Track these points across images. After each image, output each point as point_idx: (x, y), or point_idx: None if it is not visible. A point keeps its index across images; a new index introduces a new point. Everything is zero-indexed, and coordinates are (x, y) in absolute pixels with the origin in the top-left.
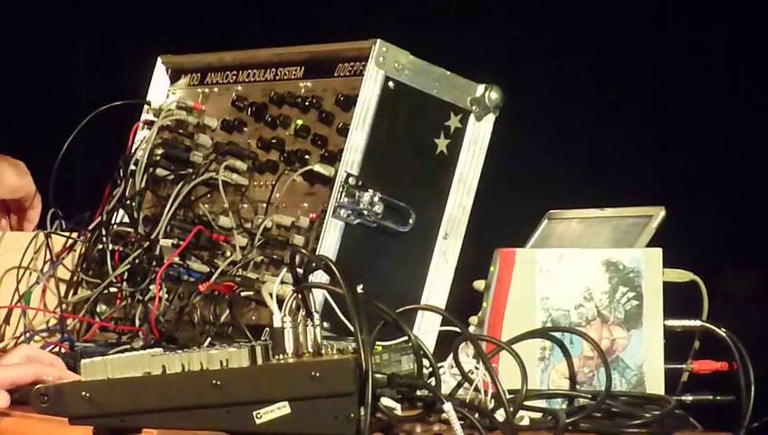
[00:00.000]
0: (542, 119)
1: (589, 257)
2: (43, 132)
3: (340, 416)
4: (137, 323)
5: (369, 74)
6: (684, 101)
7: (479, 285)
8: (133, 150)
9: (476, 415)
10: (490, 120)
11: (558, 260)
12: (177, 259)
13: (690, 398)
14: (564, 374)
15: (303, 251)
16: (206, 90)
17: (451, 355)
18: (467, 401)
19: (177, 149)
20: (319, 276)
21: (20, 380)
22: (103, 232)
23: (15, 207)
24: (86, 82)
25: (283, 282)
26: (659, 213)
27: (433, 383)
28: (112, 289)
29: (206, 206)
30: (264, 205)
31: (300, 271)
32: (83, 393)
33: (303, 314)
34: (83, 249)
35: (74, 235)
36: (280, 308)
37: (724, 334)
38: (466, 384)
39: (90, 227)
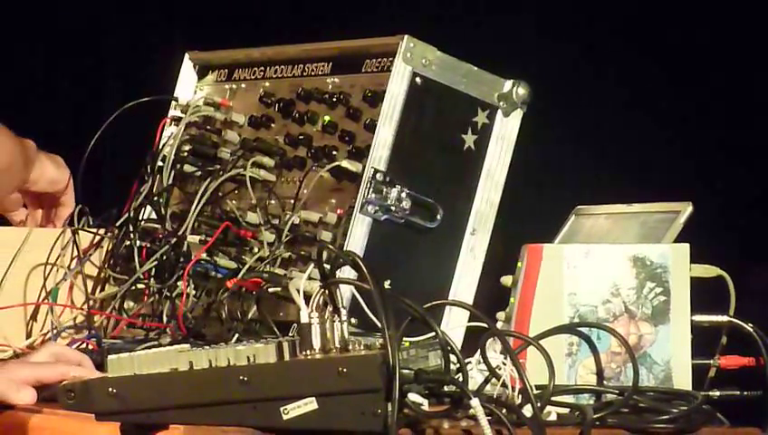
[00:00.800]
0: (570, 114)
1: (616, 253)
2: (70, 129)
3: (367, 412)
4: (164, 319)
5: (396, 70)
6: (711, 97)
7: (506, 280)
8: (160, 147)
9: (504, 411)
10: (518, 115)
11: (585, 256)
12: (204, 255)
13: (717, 393)
14: (591, 370)
15: (331, 247)
16: (234, 86)
17: (478, 351)
18: (495, 396)
19: (204, 146)
20: (346, 272)
21: (47, 378)
22: (130, 228)
23: (48, 202)
24: (114, 79)
25: (310, 278)
26: (687, 208)
27: (460, 379)
28: (140, 286)
29: (234, 202)
30: (292, 201)
31: (327, 267)
32: (110, 389)
33: (330, 310)
34: (110, 246)
35: (101, 231)
36: (307, 304)
37: (751, 330)
38: (494, 380)
39: (117, 224)
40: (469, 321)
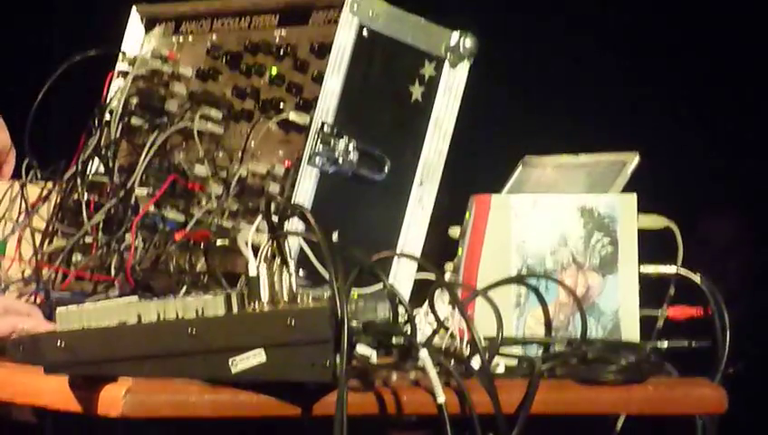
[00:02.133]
0: (518, 64)
1: (564, 203)
2: (17, 83)
3: (316, 363)
4: (112, 272)
5: (343, 22)
6: (658, 46)
7: (454, 231)
8: (108, 100)
9: (452, 362)
10: (465, 66)
11: (533, 206)
12: (152, 208)
13: (666, 344)
14: (540, 321)
15: (279, 199)
16: (181, 39)
17: (426, 302)
18: (443, 348)
19: (151, 99)
20: (294, 224)
21: None
22: (78, 182)
23: None
24: (60, 32)
25: (258, 230)
26: (633, 158)
27: (408, 331)
28: (88, 239)
29: (182, 155)
30: (240, 153)
31: (275, 219)
32: (59, 342)
33: (279, 262)
34: (59, 199)
35: (49, 184)
36: (255, 256)
37: (698, 280)
38: (442, 331)
39: (65, 177)
40: (417, 272)
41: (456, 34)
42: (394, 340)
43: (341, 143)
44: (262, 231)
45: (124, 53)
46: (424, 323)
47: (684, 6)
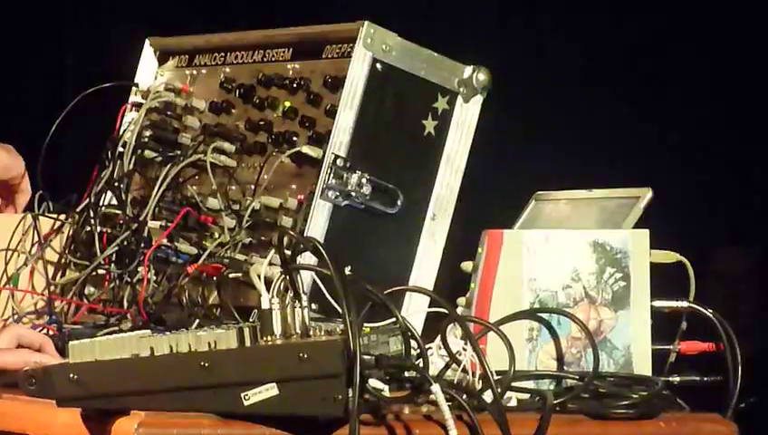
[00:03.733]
0: (531, 100)
1: (576, 238)
2: (31, 115)
3: (328, 397)
4: (125, 304)
5: (356, 56)
6: (671, 83)
7: (467, 266)
8: (121, 132)
9: (464, 396)
10: (478, 101)
11: (545, 241)
12: (165, 241)
13: (678, 379)
14: (552, 355)
15: (291, 232)
16: (195, 72)
17: (439, 337)
18: (455, 382)
19: (165, 131)
20: (307, 258)
21: (8, 365)
22: (91, 214)
23: (4, 190)
24: (74, 65)
25: (271, 263)
26: (646, 194)
27: (421, 364)
28: (100, 271)
29: (195, 187)
30: (253, 186)
31: (288, 252)
32: (71, 375)
33: (291, 295)
34: (71, 231)
35: (62, 216)
36: (268, 290)
37: (710, 315)
38: (454, 365)
39: (78, 209)
40: (430, 306)
41: (469, 69)
42: (406, 374)
43: (354, 177)
44: (274, 264)
45: (137, 86)
46: (436, 357)
47: (698, 42)
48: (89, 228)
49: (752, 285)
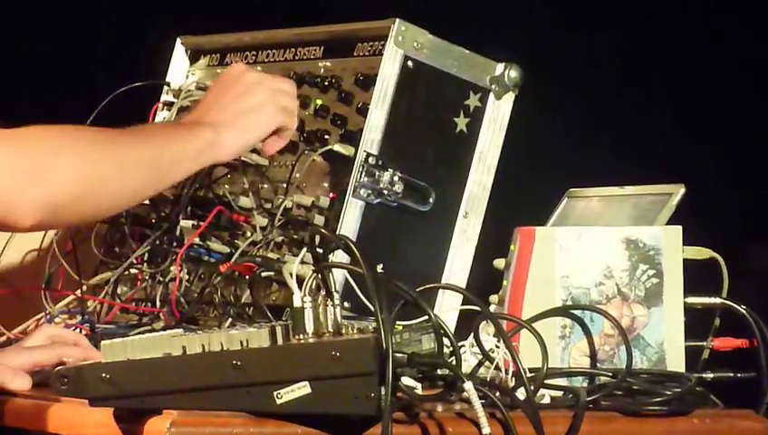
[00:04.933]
0: (563, 96)
1: (609, 235)
2: (62, 115)
3: (360, 395)
4: (157, 304)
5: (388, 54)
6: (706, 76)
7: (499, 263)
8: None
9: (497, 393)
10: (510, 98)
11: (578, 238)
12: (197, 240)
13: (711, 375)
14: (585, 352)
15: (323, 231)
16: None
17: (472, 334)
18: (488, 379)
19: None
20: (339, 256)
21: (43, 362)
22: (124, 213)
23: None
24: (107, 63)
25: (303, 262)
26: (679, 190)
27: (453, 362)
28: (133, 271)
29: (227, 186)
30: (284, 185)
31: (320, 251)
32: (103, 375)
33: (323, 294)
34: (104, 230)
35: None
36: (300, 288)
37: (744, 311)
38: (487, 363)
39: None
40: (462, 304)
41: (500, 66)
42: (439, 372)
43: (386, 175)
44: (306, 263)
45: (169, 85)
46: (469, 355)
47: (731, 34)
48: (121, 228)
49: None
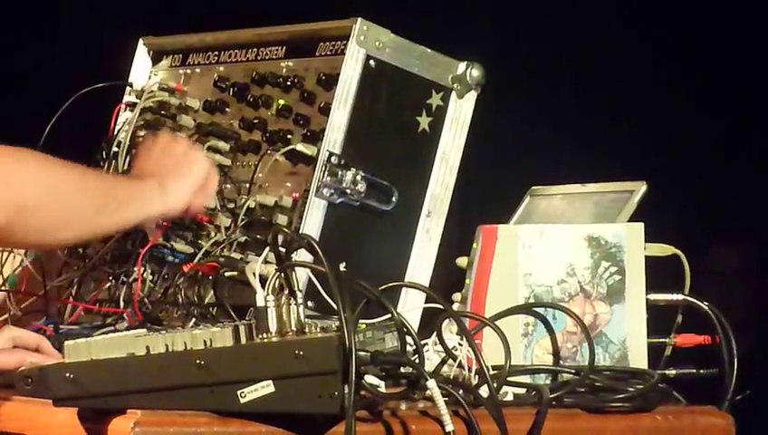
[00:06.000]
0: (524, 95)
1: (571, 233)
2: (23, 115)
3: (324, 394)
4: (121, 304)
5: (350, 53)
6: (665, 74)
7: (462, 262)
8: (116, 132)
9: (460, 391)
10: (472, 97)
11: (540, 236)
12: (160, 240)
13: (674, 372)
14: (548, 350)
15: (286, 230)
16: (188, 71)
17: (435, 332)
18: (451, 377)
19: (159, 131)
20: (302, 256)
21: (4, 365)
22: None
23: None
24: (68, 65)
25: (266, 261)
26: (641, 188)
27: (417, 360)
28: (96, 271)
29: None
30: (248, 185)
31: (283, 250)
32: (67, 375)
33: (287, 293)
34: None
35: None
36: (263, 288)
37: (706, 308)
38: (450, 361)
39: None
40: (425, 302)
41: (462, 65)
42: (402, 370)
43: (349, 174)
44: (270, 262)
45: (131, 85)
46: (432, 353)
47: (691, 32)
48: None
49: (747, 278)
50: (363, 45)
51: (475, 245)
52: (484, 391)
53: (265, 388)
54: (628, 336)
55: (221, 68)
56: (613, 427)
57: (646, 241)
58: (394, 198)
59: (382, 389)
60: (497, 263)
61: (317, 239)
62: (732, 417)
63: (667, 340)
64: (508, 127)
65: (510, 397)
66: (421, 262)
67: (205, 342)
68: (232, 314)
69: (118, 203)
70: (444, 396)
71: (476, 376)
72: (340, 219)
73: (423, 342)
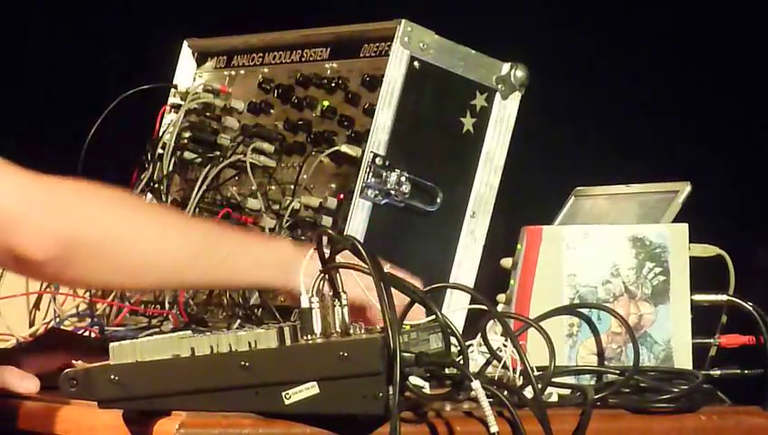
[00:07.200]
0: (569, 95)
1: (615, 233)
2: (70, 117)
3: (368, 395)
4: (166, 306)
5: (394, 54)
6: (711, 73)
7: (506, 262)
8: (160, 134)
9: (505, 392)
10: (516, 98)
11: (584, 237)
12: None
13: (718, 372)
14: (592, 350)
15: (330, 231)
16: (233, 72)
17: (479, 333)
18: (496, 378)
19: (204, 133)
20: (347, 257)
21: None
22: None
23: None
24: (114, 67)
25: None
26: (685, 188)
27: (461, 361)
28: None
29: (235, 188)
30: (292, 186)
31: (327, 252)
32: (112, 377)
33: (331, 294)
34: None
35: None
36: (308, 289)
37: (750, 308)
38: (495, 362)
39: None
40: (470, 304)
41: (507, 66)
42: (447, 371)
43: (393, 175)
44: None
45: (176, 87)
46: (477, 355)
47: (738, 31)
48: None
49: None
50: (407, 47)
51: (519, 246)
52: (528, 393)
53: (310, 389)
54: (672, 337)
55: (265, 69)
56: (658, 427)
57: (690, 241)
58: (438, 199)
59: (427, 390)
60: (542, 264)
61: (361, 240)
62: None
63: (711, 340)
64: (553, 127)
65: (554, 398)
66: (466, 263)
67: (249, 343)
68: (276, 315)
69: (220, 257)
70: (488, 397)
71: (521, 377)
72: (385, 220)
73: (468, 343)
